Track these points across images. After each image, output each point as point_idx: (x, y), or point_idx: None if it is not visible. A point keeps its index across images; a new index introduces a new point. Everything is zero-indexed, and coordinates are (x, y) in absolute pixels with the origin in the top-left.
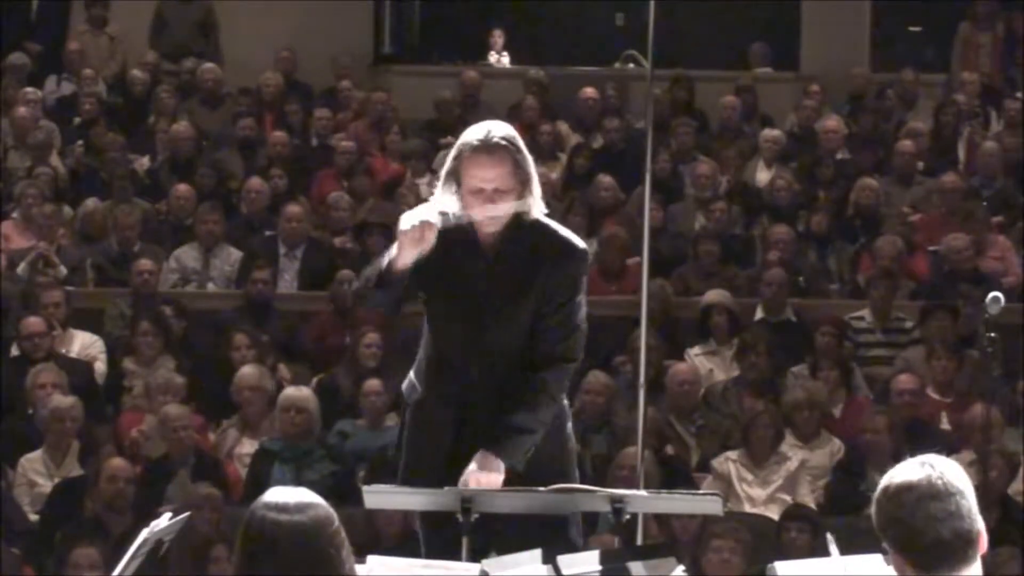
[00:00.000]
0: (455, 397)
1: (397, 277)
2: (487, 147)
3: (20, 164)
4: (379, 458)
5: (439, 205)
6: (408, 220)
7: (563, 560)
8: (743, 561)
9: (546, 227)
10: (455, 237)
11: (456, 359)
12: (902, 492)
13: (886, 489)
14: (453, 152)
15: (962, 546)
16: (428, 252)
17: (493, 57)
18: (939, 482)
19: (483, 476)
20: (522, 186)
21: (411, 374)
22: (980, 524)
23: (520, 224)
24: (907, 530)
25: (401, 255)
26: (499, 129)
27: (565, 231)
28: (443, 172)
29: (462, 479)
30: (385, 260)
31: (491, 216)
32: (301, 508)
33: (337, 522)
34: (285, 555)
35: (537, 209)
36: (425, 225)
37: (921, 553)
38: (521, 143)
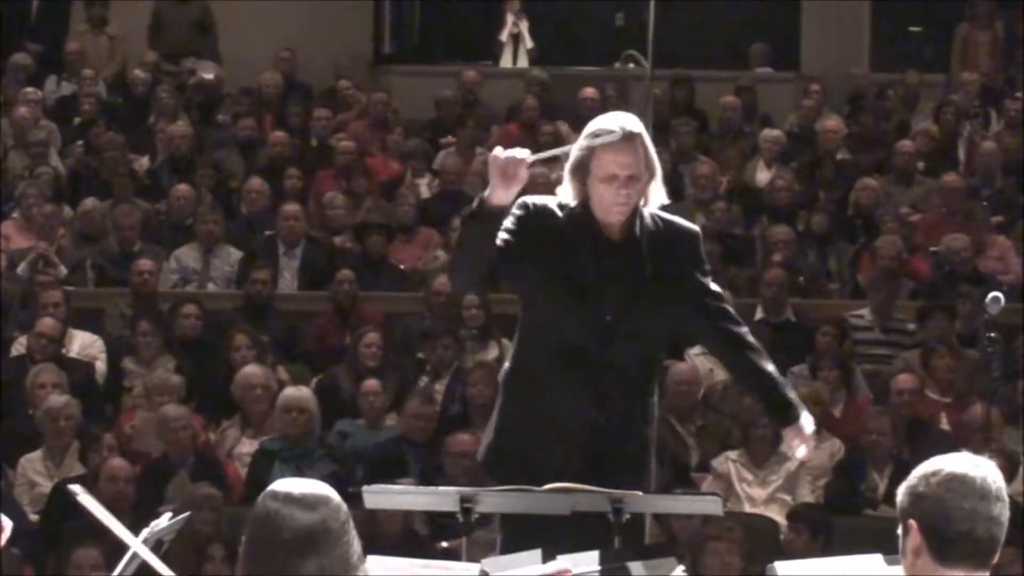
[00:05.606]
0: (585, 389)
1: (492, 213)
2: (624, 135)
3: (20, 164)
4: (378, 458)
5: (562, 198)
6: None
7: (563, 560)
8: (739, 561)
9: (663, 216)
10: (575, 225)
11: (578, 346)
12: (955, 480)
13: (935, 473)
14: (582, 144)
15: (988, 550)
16: (544, 242)
17: (509, 30)
18: (993, 485)
19: (809, 442)
20: (650, 176)
21: (502, 385)
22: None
23: (641, 213)
24: (947, 515)
25: (494, 191)
26: (631, 119)
27: (679, 218)
28: (569, 165)
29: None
30: (477, 199)
31: (622, 204)
32: (310, 500)
33: (345, 515)
34: (289, 548)
35: (658, 199)
36: (513, 158)
37: (949, 541)
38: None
